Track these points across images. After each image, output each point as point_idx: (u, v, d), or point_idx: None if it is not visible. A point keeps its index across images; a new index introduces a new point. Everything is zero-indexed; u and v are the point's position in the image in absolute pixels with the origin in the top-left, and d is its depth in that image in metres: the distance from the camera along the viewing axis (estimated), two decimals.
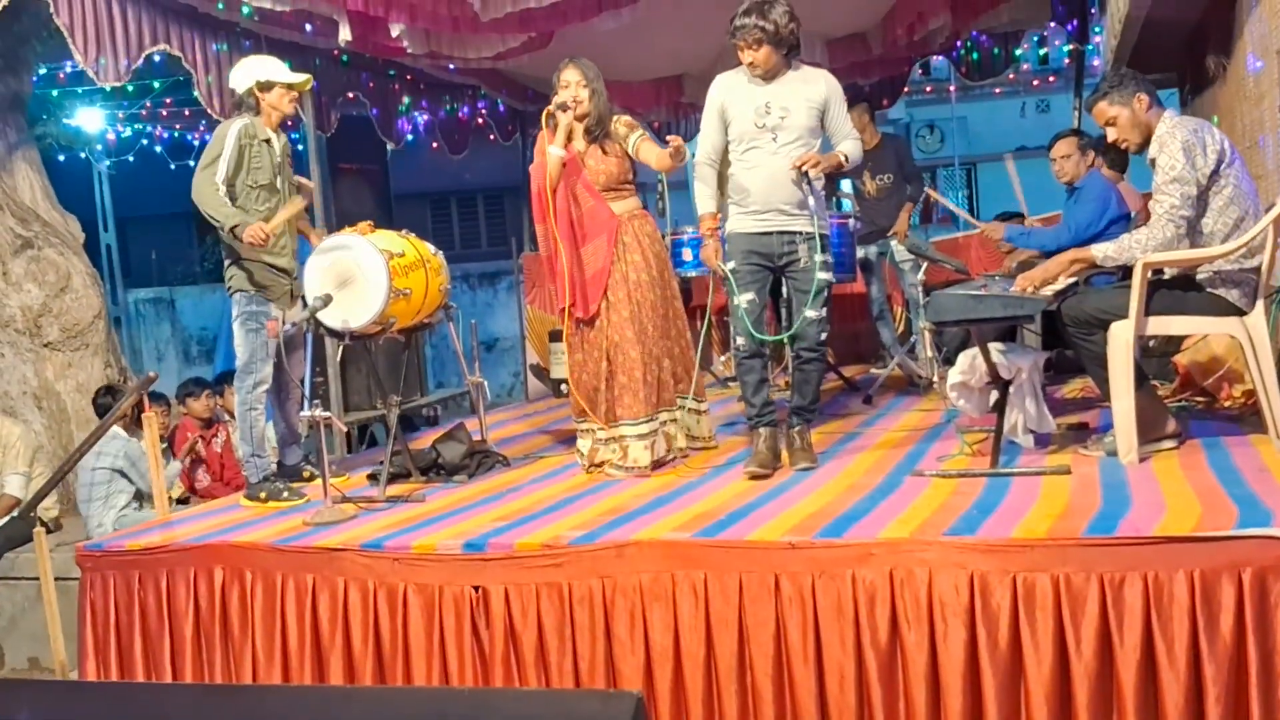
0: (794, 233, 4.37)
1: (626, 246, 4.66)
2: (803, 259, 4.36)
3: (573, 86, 4.60)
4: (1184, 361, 5.11)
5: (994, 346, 4.16)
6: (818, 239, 4.36)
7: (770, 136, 4.31)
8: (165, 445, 6.66)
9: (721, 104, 4.40)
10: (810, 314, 4.39)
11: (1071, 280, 4.18)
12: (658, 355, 4.70)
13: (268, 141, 4.74)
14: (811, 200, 4.35)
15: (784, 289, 4.64)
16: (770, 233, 4.38)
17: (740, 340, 4.47)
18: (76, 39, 5.54)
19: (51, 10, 5.44)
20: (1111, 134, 4.12)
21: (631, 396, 4.61)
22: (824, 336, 4.45)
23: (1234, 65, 5.69)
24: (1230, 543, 2.98)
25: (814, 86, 4.36)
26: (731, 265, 4.42)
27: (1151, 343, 5.26)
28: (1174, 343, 5.19)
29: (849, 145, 4.44)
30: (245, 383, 4.74)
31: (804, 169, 4.24)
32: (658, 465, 4.65)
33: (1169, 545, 3.02)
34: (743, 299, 4.40)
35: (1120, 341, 3.91)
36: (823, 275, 4.36)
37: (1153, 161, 4.00)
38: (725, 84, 4.42)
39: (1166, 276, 4.10)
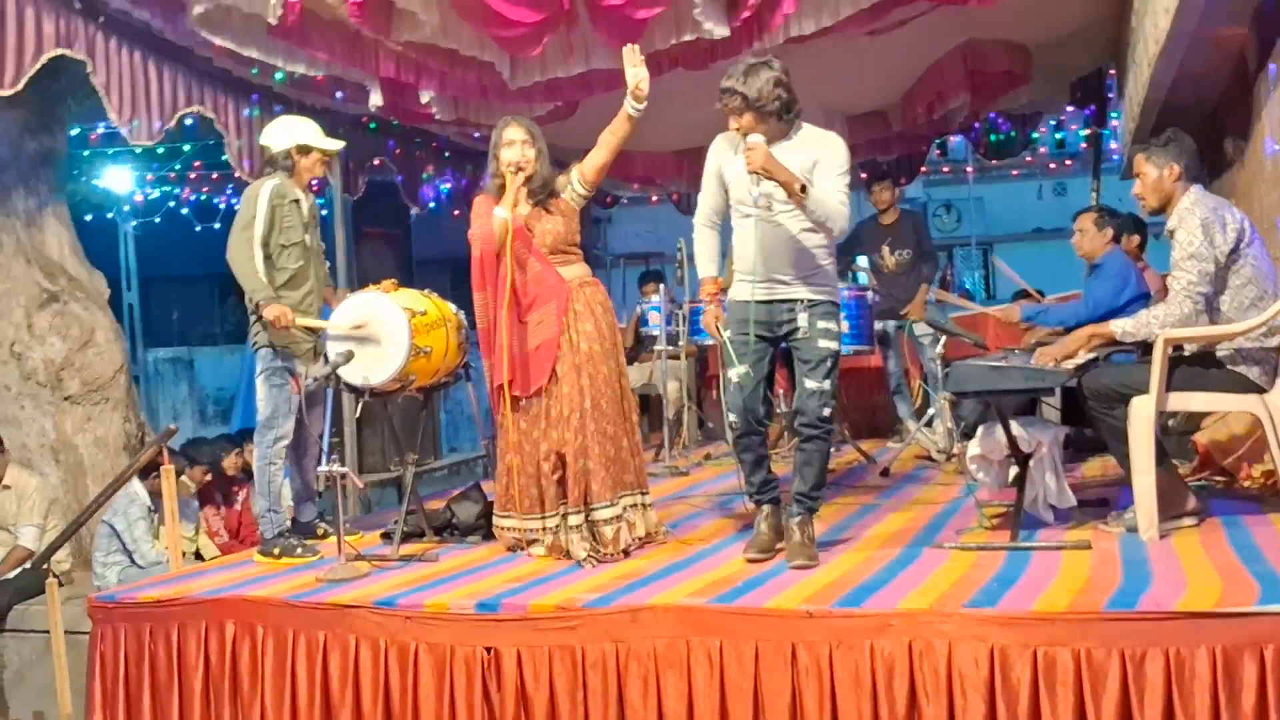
0: (794, 300, 4.05)
1: (578, 315, 4.36)
2: (802, 328, 4.04)
3: (518, 145, 4.32)
4: (1203, 440, 5.09)
5: (1013, 420, 4.15)
6: (821, 306, 4.06)
7: (765, 205, 3.98)
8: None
9: (718, 166, 4.17)
10: (809, 384, 4.01)
11: (1091, 356, 4.18)
12: (613, 434, 4.34)
13: (296, 201, 4.82)
14: (810, 260, 4.04)
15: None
16: (771, 300, 4.08)
17: (733, 417, 4.15)
18: (112, 99, 5.66)
19: (89, 70, 5.56)
20: (1135, 186, 4.16)
21: (594, 479, 4.28)
22: (827, 412, 4.02)
23: (1252, 148, 5.74)
24: (1252, 619, 2.96)
25: (806, 150, 4.03)
26: (729, 334, 4.12)
27: (1171, 421, 5.24)
28: (1193, 421, 5.17)
29: (829, 197, 3.95)
30: (266, 438, 4.76)
31: (751, 167, 3.88)
32: (625, 553, 4.31)
33: (1191, 621, 2.99)
34: (735, 371, 4.04)
35: (1141, 416, 3.90)
36: (825, 344, 4.02)
37: (1171, 233, 4.03)
38: (723, 147, 4.18)
39: (1187, 353, 4.10)
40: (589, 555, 4.21)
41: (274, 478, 4.77)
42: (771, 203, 3.97)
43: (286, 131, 4.89)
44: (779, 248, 4.04)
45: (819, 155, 4.04)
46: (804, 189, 3.89)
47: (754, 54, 6.10)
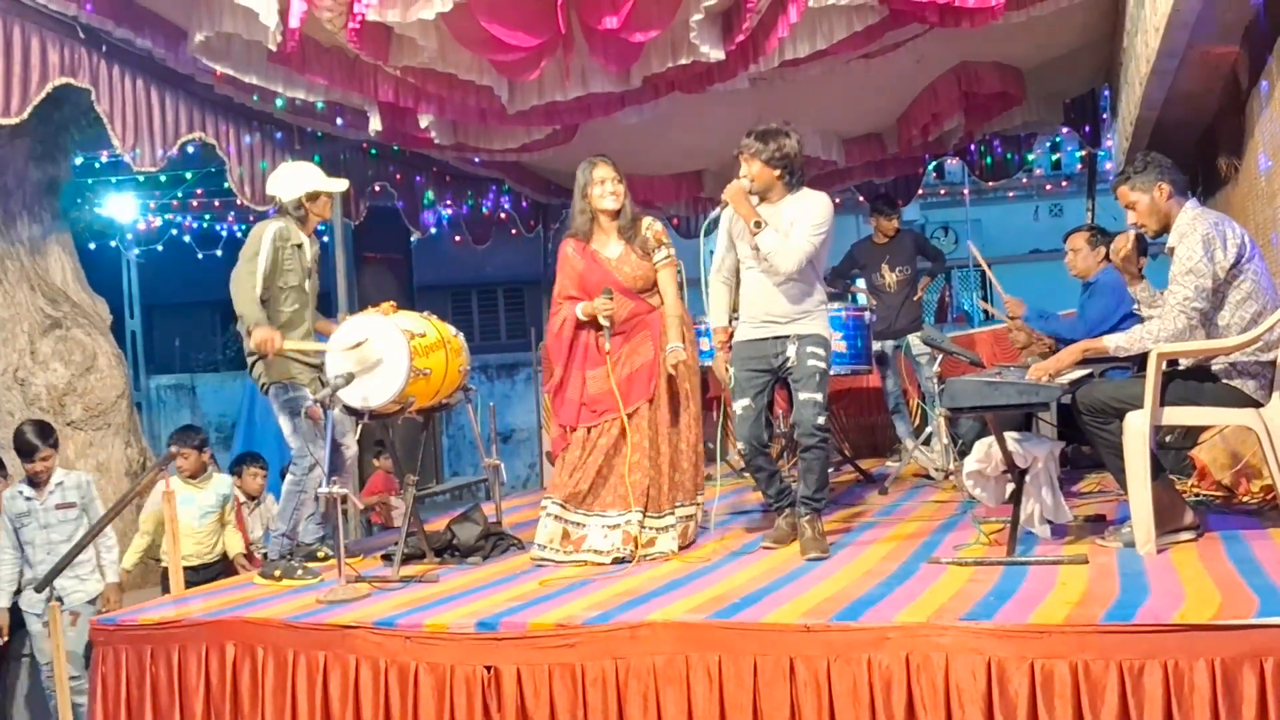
0: (784, 337, 4.57)
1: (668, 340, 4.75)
2: (792, 358, 4.55)
3: (609, 182, 4.75)
4: (1201, 456, 5.09)
5: (1010, 435, 4.17)
6: (809, 339, 4.54)
7: (760, 256, 4.53)
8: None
9: (729, 226, 4.68)
10: (803, 396, 4.51)
11: (1086, 371, 4.20)
12: (670, 454, 4.74)
13: (299, 246, 4.85)
14: (799, 304, 4.56)
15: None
16: (765, 338, 4.61)
17: (741, 445, 4.65)
18: (115, 126, 5.71)
19: (93, 98, 5.62)
20: (1130, 217, 4.18)
21: (651, 495, 4.67)
22: (821, 420, 4.50)
23: (1246, 165, 5.78)
24: (1251, 631, 2.96)
25: (796, 206, 4.54)
26: (732, 373, 4.66)
27: (1168, 436, 5.25)
28: (1191, 436, 5.18)
29: (792, 241, 4.45)
30: (302, 465, 4.80)
31: (724, 196, 4.54)
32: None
33: (1189, 633, 3.00)
34: (739, 405, 4.63)
35: (1135, 431, 3.91)
36: (814, 363, 4.52)
37: (1171, 250, 4.04)
38: (732, 212, 4.64)
39: (1182, 367, 4.12)
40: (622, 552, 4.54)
41: (301, 504, 4.81)
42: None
43: (294, 180, 4.91)
44: (773, 293, 4.57)
45: (802, 210, 4.55)
46: (759, 224, 4.45)
47: (750, 77, 6.23)
